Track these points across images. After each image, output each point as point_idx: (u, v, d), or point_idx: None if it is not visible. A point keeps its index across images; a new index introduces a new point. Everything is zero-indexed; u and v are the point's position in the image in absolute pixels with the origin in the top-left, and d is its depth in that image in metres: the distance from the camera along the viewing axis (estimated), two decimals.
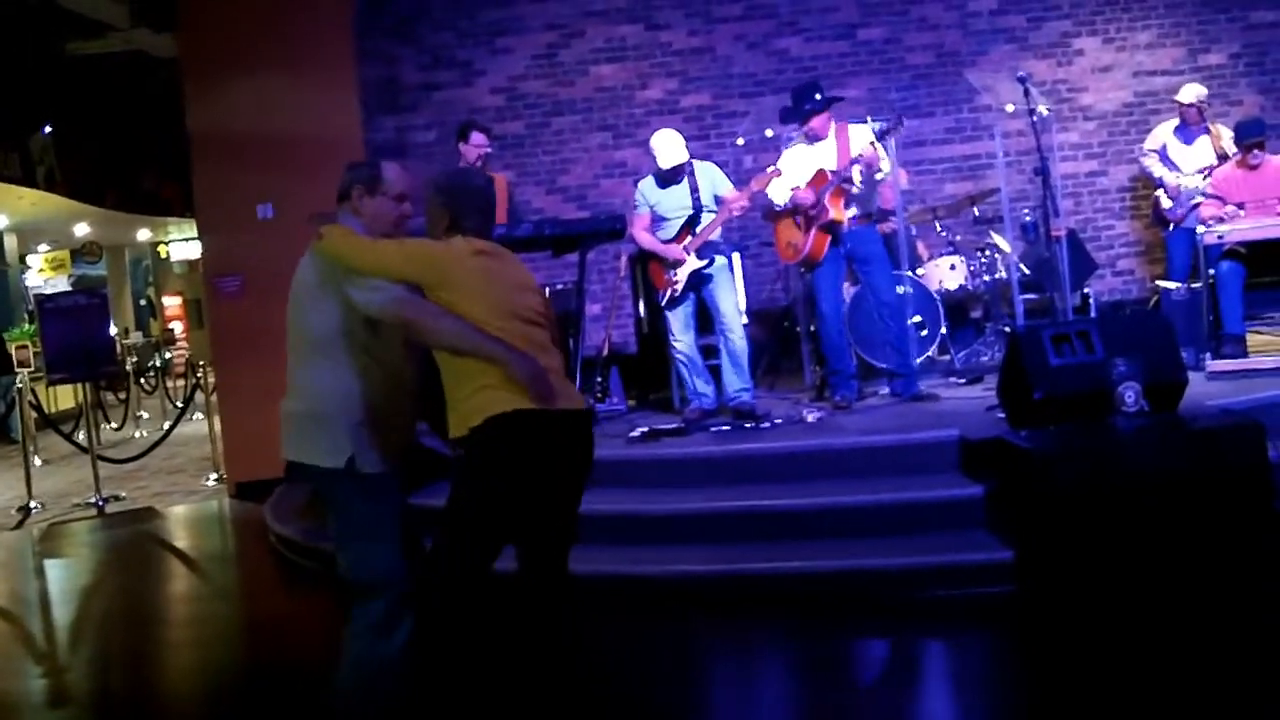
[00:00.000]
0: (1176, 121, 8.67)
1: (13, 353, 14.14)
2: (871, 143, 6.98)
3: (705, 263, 7.14)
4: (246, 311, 9.03)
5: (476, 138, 7.66)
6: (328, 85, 9.89)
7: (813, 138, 7.24)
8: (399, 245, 3.69)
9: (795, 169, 7.21)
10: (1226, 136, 8.40)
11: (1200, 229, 7.31)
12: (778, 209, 7.27)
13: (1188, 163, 8.46)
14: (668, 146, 7.13)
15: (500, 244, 7.18)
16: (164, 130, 16.67)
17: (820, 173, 7.12)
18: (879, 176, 7.19)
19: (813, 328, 8.28)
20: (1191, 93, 8.57)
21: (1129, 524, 5.01)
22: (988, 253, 8.60)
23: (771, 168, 7.20)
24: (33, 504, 9.70)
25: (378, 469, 3.68)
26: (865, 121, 7.79)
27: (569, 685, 3.80)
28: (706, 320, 7.36)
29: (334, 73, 9.89)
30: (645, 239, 7.30)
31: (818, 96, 7.20)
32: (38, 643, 6.39)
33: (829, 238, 7.13)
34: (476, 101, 10.11)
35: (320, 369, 3.71)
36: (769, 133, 9.12)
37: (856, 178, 7.04)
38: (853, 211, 7.14)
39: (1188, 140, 8.56)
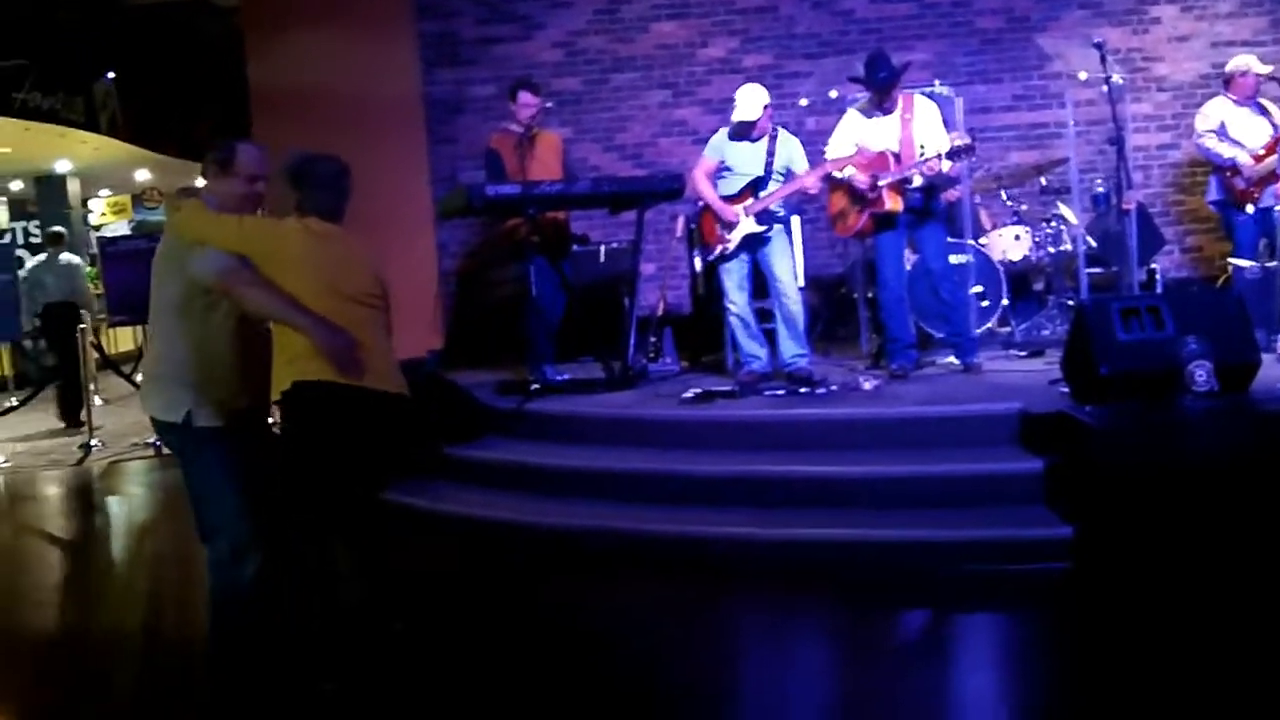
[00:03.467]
0: (1226, 97, 8.32)
1: None
2: (937, 155, 6.78)
3: (763, 228, 7.03)
4: None
5: (524, 97, 7.58)
6: (387, 38, 9.87)
7: (884, 110, 7.06)
8: (237, 222, 3.96)
9: (860, 138, 7.04)
10: (1277, 111, 8.13)
11: (1277, 206, 7.09)
12: (834, 178, 7.10)
13: (1249, 138, 8.12)
14: (742, 100, 7.01)
15: (556, 201, 7.30)
16: (223, 80, 16.71)
17: (882, 156, 6.93)
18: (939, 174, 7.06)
19: (870, 294, 8.17)
20: (1244, 62, 8.25)
21: (1193, 506, 4.89)
22: (1053, 224, 8.42)
23: (855, 146, 7.01)
24: (93, 442, 9.87)
25: (213, 423, 4.02)
26: (932, 86, 7.66)
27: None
28: (762, 283, 7.25)
29: (393, 26, 9.86)
30: (705, 189, 7.17)
31: (893, 66, 7.02)
32: (97, 577, 6.44)
33: (880, 222, 7.02)
34: (535, 56, 9.99)
35: (167, 332, 4.07)
36: (833, 94, 8.95)
37: (917, 179, 6.89)
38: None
39: (1245, 115, 8.22)
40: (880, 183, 6.87)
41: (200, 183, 4.30)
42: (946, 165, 6.83)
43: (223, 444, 4.03)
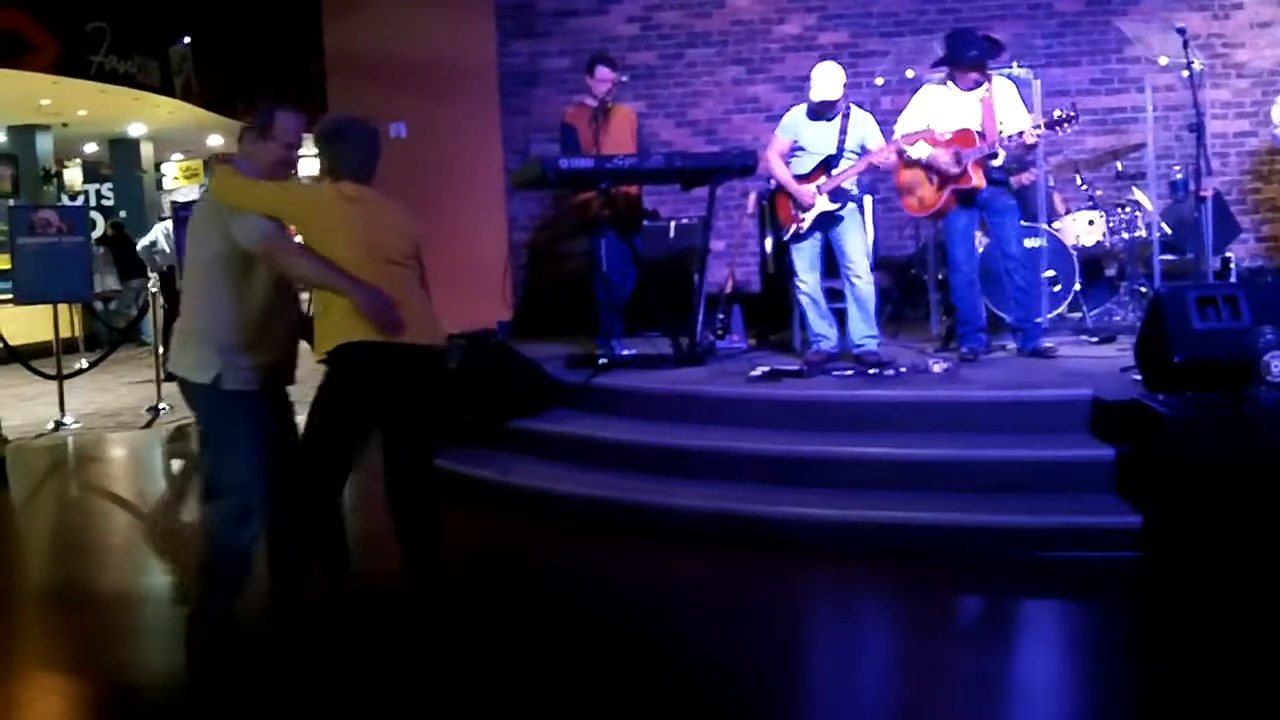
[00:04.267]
0: None
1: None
2: (1023, 131, 6.75)
3: (836, 206, 7.03)
4: None
5: (602, 72, 7.64)
6: (463, 8, 9.96)
7: (965, 86, 7.02)
8: (276, 187, 4.12)
9: (935, 116, 7.01)
10: None
11: None
12: (910, 159, 7.07)
13: None
14: (823, 79, 7.00)
15: (629, 175, 7.35)
16: (298, 47, 16.85)
17: (966, 133, 6.89)
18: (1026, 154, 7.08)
19: (941, 276, 8.15)
20: None
21: (1267, 498, 4.86)
22: (1128, 209, 8.34)
23: (924, 126, 7.00)
24: (162, 405, 10.02)
25: (242, 387, 4.11)
26: (1010, 67, 7.60)
27: (440, 584, 4.26)
28: (832, 262, 7.25)
29: None
30: (779, 168, 7.18)
31: (985, 42, 7.02)
32: (163, 539, 6.57)
33: (960, 199, 6.98)
34: (611, 30, 10.03)
35: (201, 293, 4.16)
36: (909, 74, 8.92)
37: (1001, 155, 6.89)
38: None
39: None
40: (967, 159, 6.84)
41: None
42: (1033, 138, 6.78)
43: (250, 407, 4.12)
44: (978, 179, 6.89)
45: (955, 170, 6.87)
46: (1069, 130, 6.88)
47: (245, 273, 4.09)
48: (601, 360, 7.24)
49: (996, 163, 6.91)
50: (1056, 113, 6.76)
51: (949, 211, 7.03)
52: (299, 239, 4.14)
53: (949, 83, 7.08)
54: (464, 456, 6.85)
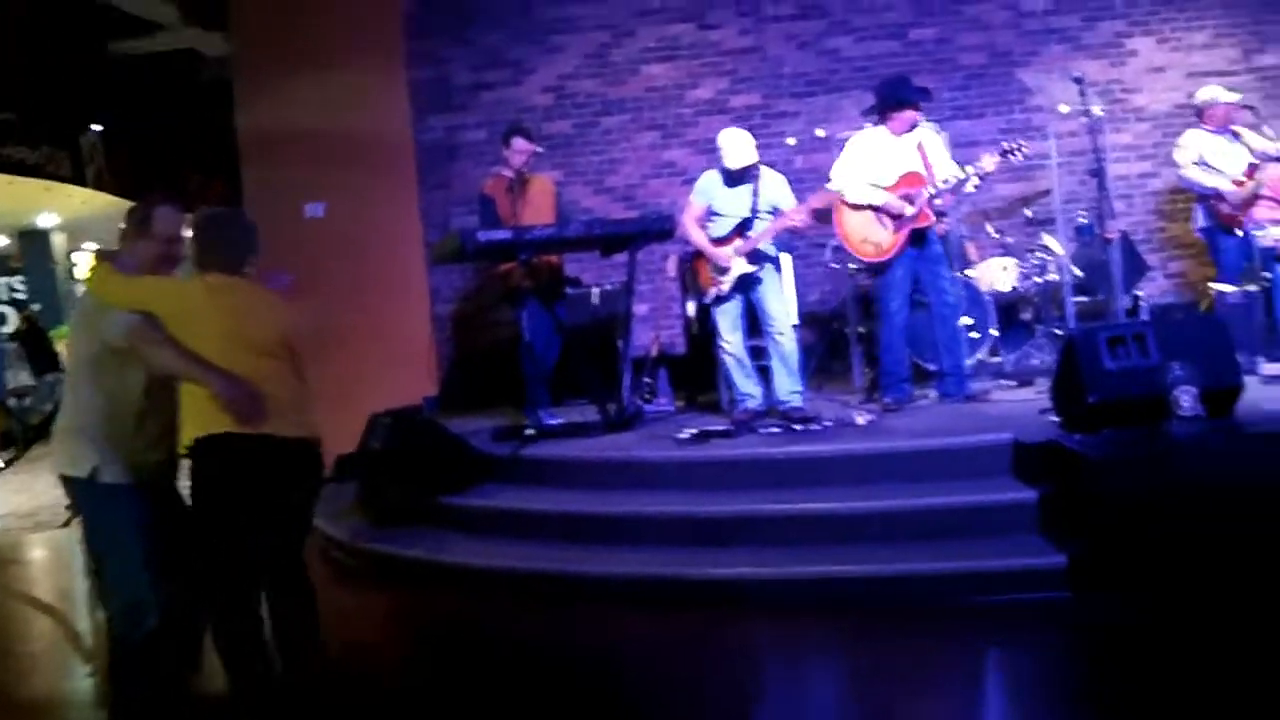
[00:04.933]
0: (1201, 128, 8.48)
1: (60, 350, 14.31)
2: (950, 178, 7.02)
3: (755, 268, 7.13)
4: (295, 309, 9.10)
5: (518, 143, 7.71)
6: (378, 85, 9.99)
7: (899, 130, 7.16)
8: (147, 282, 4.16)
9: (873, 161, 7.13)
10: (1254, 138, 8.27)
11: (1257, 232, 7.20)
12: (859, 205, 7.15)
13: (1227, 165, 8.27)
14: (737, 147, 7.11)
15: (549, 244, 7.41)
16: (212, 130, 16.80)
17: (913, 175, 7.07)
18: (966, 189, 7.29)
19: (862, 329, 8.26)
20: (1212, 93, 8.43)
21: (1185, 530, 4.97)
22: (1039, 254, 8.53)
23: (834, 187, 7.17)
24: None
25: (120, 480, 4.13)
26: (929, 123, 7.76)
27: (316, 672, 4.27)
28: (756, 321, 7.33)
29: (384, 73, 9.99)
30: (695, 234, 7.27)
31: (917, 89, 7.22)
32: (85, 641, 6.44)
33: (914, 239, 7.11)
34: (526, 100, 10.13)
35: (79, 390, 4.20)
36: (820, 133, 9.06)
37: (972, 184, 7.18)
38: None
39: (1221, 143, 8.37)
40: (919, 200, 6.98)
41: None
42: (991, 165, 6.99)
43: (128, 500, 4.14)
44: (932, 217, 7.07)
45: (911, 210, 7.01)
46: (1020, 158, 7.10)
47: (120, 368, 4.12)
48: (529, 431, 7.24)
49: (938, 202, 7.06)
50: (1005, 145, 7.00)
51: (900, 255, 7.11)
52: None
53: (883, 128, 7.21)
54: (394, 536, 6.82)
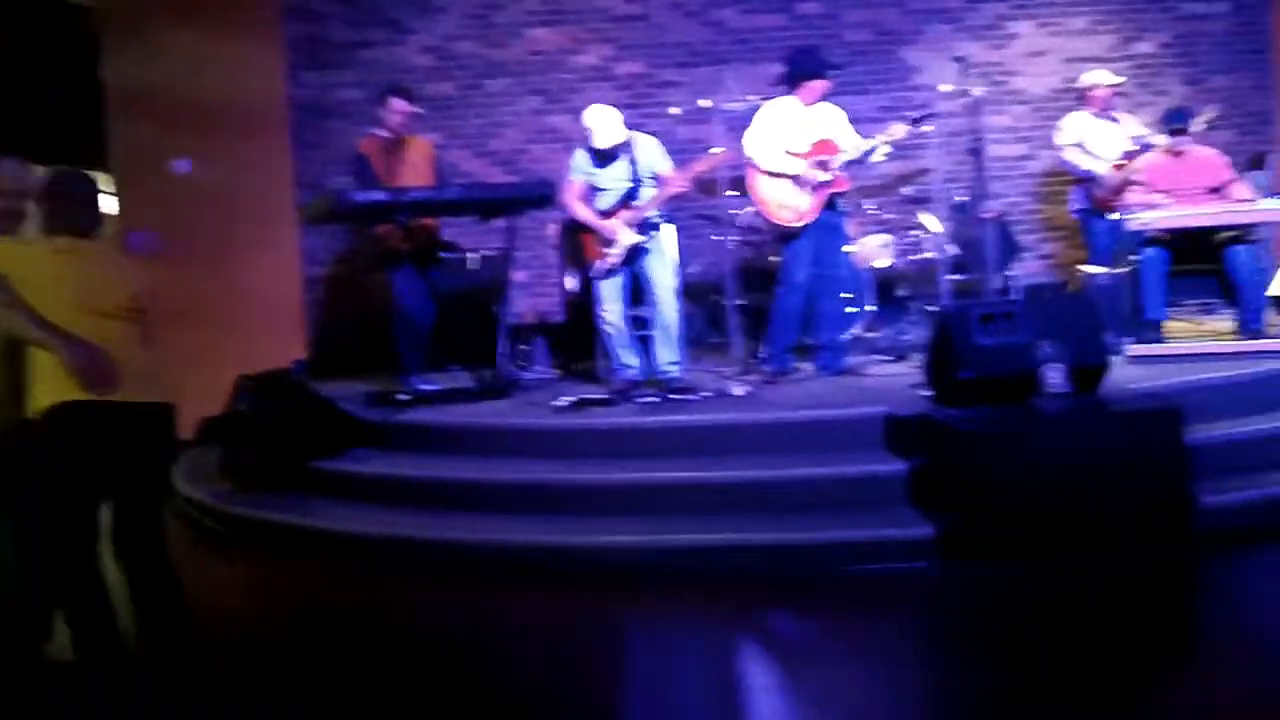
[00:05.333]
0: (1083, 111, 8.66)
1: None
2: (909, 121, 7.21)
3: (642, 238, 7.08)
4: (161, 269, 8.82)
5: (396, 103, 7.53)
6: (251, 39, 9.72)
7: (810, 101, 7.18)
8: None
9: (786, 130, 7.13)
10: (1132, 123, 8.47)
11: (1127, 216, 7.33)
12: (765, 171, 7.13)
13: (1106, 149, 8.45)
14: (603, 126, 7.03)
15: (426, 207, 7.26)
16: (77, 82, 16.19)
17: (826, 143, 7.11)
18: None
19: (742, 301, 8.26)
20: (1095, 77, 8.60)
21: (1050, 503, 5.07)
22: (917, 232, 8.61)
23: (716, 149, 7.17)
24: None
25: None
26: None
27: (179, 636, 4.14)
28: (637, 291, 7.29)
29: (258, 27, 9.72)
30: (580, 210, 7.20)
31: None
32: None
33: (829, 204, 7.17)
34: (406, 61, 9.92)
35: None
36: (703, 103, 9.02)
37: (882, 153, 7.26)
38: None
39: (1101, 127, 8.55)
40: (834, 166, 7.04)
41: None
42: (902, 133, 7.12)
43: None
44: (848, 183, 7.20)
45: (826, 176, 7.04)
46: (929, 128, 7.36)
47: None
48: (402, 397, 7.12)
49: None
50: (914, 115, 7.20)
51: (813, 223, 7.13)
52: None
53: (793, 97, 7.21)
54: (260, 501, 6.67)
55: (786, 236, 7.22)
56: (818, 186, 7.08)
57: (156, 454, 4.17)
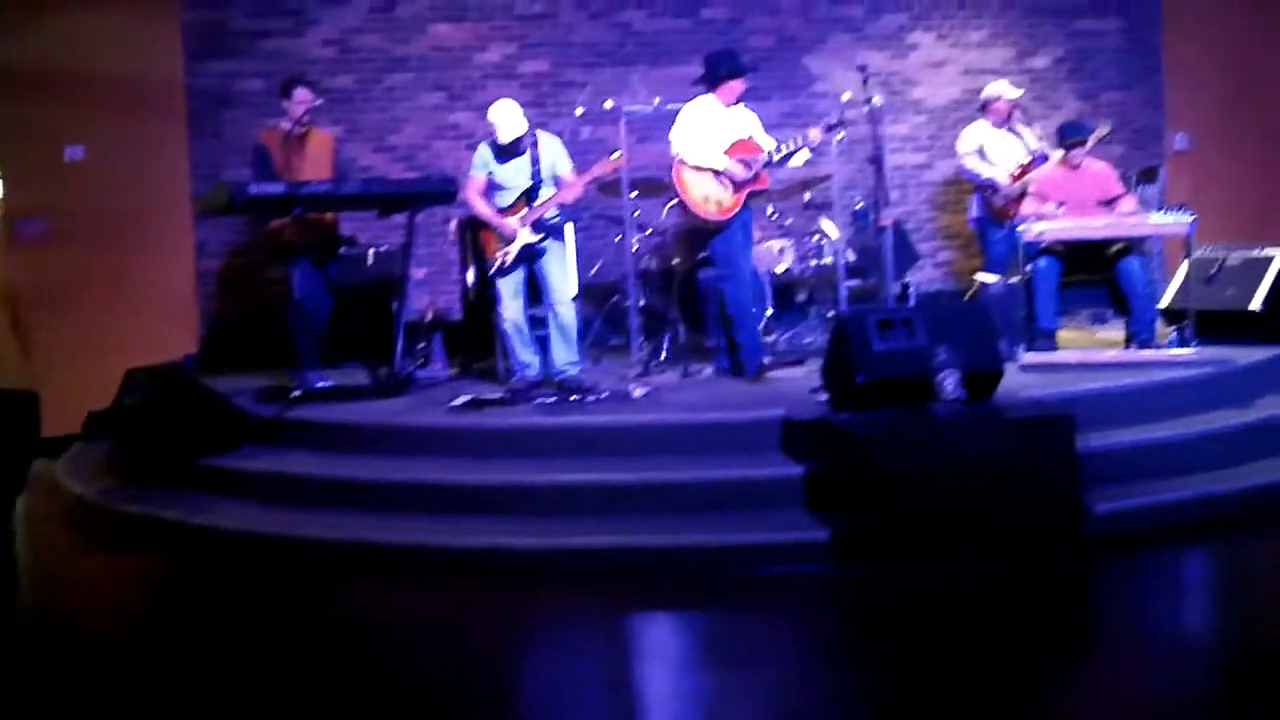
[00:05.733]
0: (984, 120, 8.81)
1: None
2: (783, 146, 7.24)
3: (540, 237, 7.05)
4: (49, 258, 8.60)
5: (299, 94, 7.45)
6: (149, 25, 9.48)
7: (729, 101, 7.21)
8: None
9: (710, 128, 7.15)
10: (1030, 135, 8.64)
11: (1021, 227, 7.45)
12: (692, 166, 7.12)
13: (1005, 159, 8.60)
14: (507, 120, 7.00)
15: (324, 201, 7.16)
16: None
17: (747, 143, 7.18)
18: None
19: (644, 302, 8.26)
20: (998, 89, 8.76)
21: (943, 509, 5.14)
22: (816, 238, 8.68)
23: (615, 154, 7.18)
24: None
25: None
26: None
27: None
28: (537, 290, 7.25)
29: (156, 12, 9.48)
30: (480, 206, 7.16)
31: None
32: None
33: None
34: (307, 52, 9.74)
35: None
36: (608, 104, 9.01)
37: (801, 156, 7.40)
38: None
39: (1001, 137, 8.70)
40: (757, 165, 7.11)
41: None
42: (818, 138, 7.24)
43: None
44: (769, 182, 7.29)
45: (749, 175, 7.08)
46: (842, 135, 7.55)
47: None
48: (295, 393, 7.00)
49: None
50: (830, 120, 7.29)
51: (738, 215, 7.17)
52: None
53: (713, 97, 7.22)
54: (148, 497, 6.51)
55: (714, 232, 7.21)
56: (740, 183, 7.12)
57: (15, 444, 4.04)
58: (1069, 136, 7.81)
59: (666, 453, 6.01)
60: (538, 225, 7.05)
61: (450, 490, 5.96)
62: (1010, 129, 8.68)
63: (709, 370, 7.54)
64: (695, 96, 7.34)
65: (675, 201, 7.55)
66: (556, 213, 7.14)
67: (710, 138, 7.15)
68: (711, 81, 7.24)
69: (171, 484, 6.62)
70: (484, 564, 5.47)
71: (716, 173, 7.12)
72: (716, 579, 5.23)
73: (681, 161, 7.12)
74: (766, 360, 7.30)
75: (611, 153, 7.49)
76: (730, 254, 7.29)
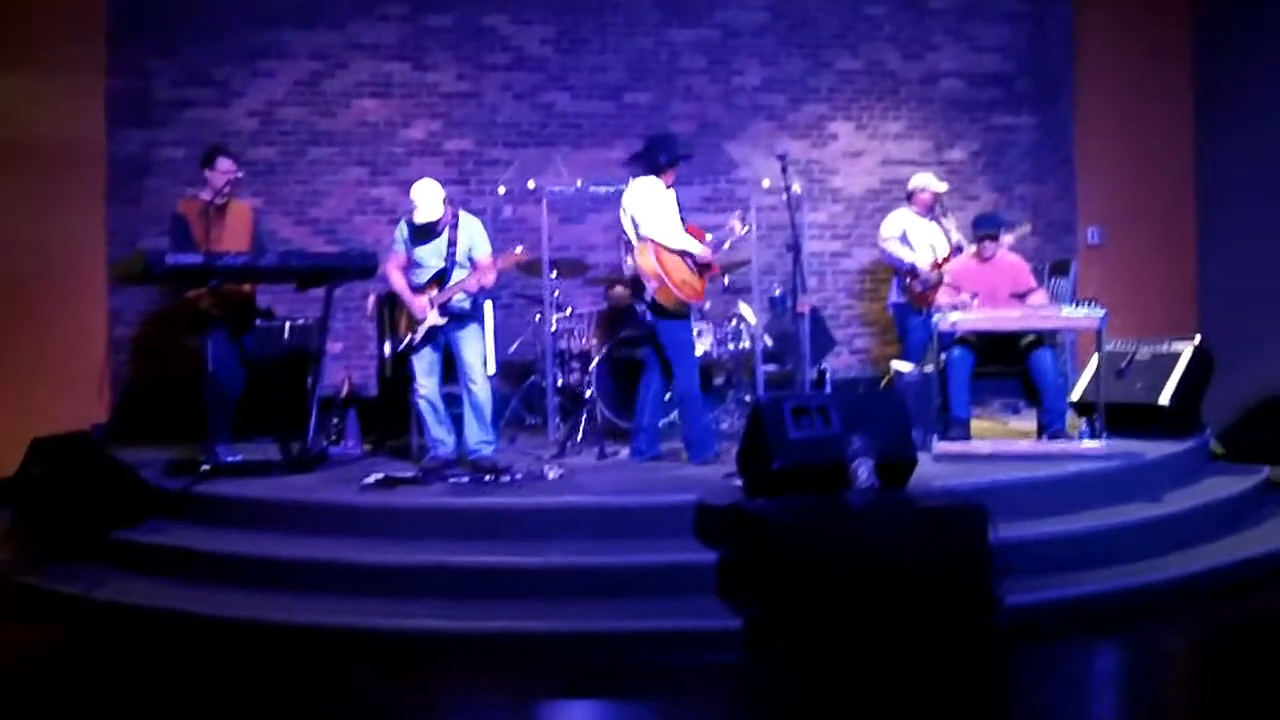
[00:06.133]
0: (908, 209, 8.99)
1: None
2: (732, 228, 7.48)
3: (444, 321, 7.04)
4: None
5: (223, 164, 7.43)
6: (72, 90, 9.43)
7: (670, 184, 7.33)
8: None
9: (670, 212, 7.24)
10: (952, 227, 8.83)
11: (936, 315, 7.57)
12: (671, 249, 7.17)
13: (924, 247, 8.78)
14: (424, 201, 6.99)
15: (242, 273, 7.11)
16: None
17: (693, 227, 7.34)
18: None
19: (561, 382, 8.25)
20: (924, 180, 8.95)
21: (857, 597, 5.14)
22: (734, 322, 8.75)
23: (519, 248, 7.26)
24: None
25: None
26: (626, 184, 7.87)
27: None
28: (453, 368, 7.22)
29: (80, 78, 9.45)
30: (396, 280, 7.16)
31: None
32: None
33: None
34: (231, 123, 9.72)
35: None
36: (531, 185, 9.08)
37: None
38: None
39: (924, 226, 8.88)
40: (715, 244, 7.36)
41: None
42: (740, 229, 7.50)
43: None
44: (716, 268, 7.48)
45: (715, 256, 7.29)
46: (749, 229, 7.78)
47: None
48: (205, 466, 6.88)
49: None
50: (740, 214, 7.67)
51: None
52: None
53: (658, 180, 7.31)
54: (51, 570, 6.32)
55: (671, 315, 7.24)
56: (702, 266, 7.22)
57: None
58: (982, 228, 7.97)
59: (579, 536, 5.97)
60: (444, 309, 7.03)
61: (359, 570, 5.84)
62: (933, 219, 8.86)
63: (625, 452, 7.53)
64: (635, 178, 7.39)
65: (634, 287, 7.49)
66: (465, 297, 7.11)
67: (675, 221, 7.24)
68: (656, 166, 7.32)
69: (76, 557, 6.43)
70: (389, 645, 5.36)
71: (686, 255, 7.18)
72: (627, 666, 5.16)
73: (659, 245, 7.15)
74: (718, 451, 7.24)
75: (516, 246, 7.48)
76: (688, 339, 7.37)
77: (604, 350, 8.28)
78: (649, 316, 7.30)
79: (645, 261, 7.14)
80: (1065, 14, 10.79)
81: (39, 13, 9.17)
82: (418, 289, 7.10)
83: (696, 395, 7.32)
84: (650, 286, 7.16)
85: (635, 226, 7.24)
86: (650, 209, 7.21)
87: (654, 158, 7.32)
